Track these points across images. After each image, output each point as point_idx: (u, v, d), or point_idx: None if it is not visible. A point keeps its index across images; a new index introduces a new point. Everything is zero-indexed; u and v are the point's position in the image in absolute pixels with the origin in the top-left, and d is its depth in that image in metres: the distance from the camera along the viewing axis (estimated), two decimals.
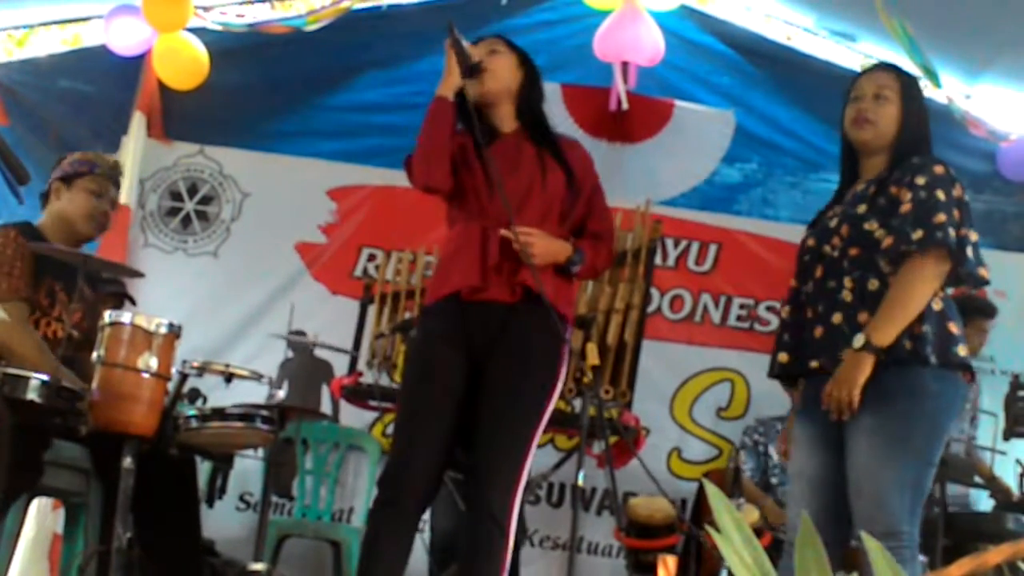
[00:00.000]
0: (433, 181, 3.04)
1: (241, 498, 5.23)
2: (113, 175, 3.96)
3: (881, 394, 2.80)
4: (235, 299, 5.41)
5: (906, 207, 2.86)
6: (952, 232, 2.82)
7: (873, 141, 3.03)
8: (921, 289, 2.81)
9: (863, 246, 2.91)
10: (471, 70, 3.11)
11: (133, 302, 4.50)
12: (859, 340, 2.80)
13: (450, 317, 3.01)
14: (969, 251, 2.86)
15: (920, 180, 2.88)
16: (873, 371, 2.78)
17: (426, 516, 3.96)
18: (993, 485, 4.83)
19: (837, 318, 2.90)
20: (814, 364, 2.92)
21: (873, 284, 2.88)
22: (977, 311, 4.98)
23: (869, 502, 2.78)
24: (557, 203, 3.11)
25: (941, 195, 2.86)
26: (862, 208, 2.93)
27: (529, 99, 3.22)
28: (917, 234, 2.81)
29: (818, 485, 2.92)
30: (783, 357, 3.02)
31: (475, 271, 2.99)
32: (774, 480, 4.88)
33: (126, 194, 5.29)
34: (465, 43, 3.11)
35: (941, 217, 2.82)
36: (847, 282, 2.91)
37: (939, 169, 2.92)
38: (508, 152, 3.11)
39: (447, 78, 3.09)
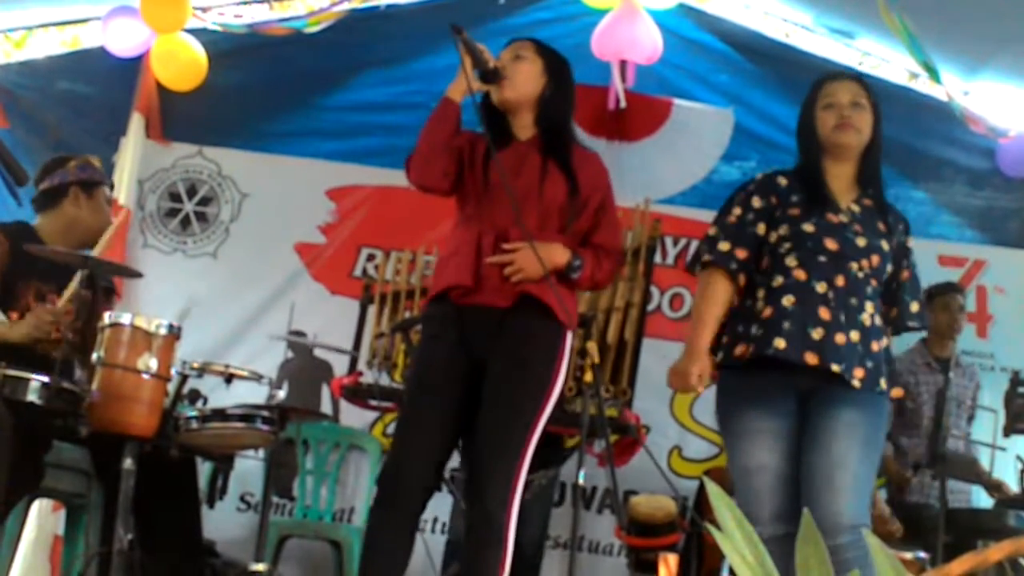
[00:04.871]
0: (426, 179, 3.06)
1: (242, 499, 5.23)
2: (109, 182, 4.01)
3: (853, 399, 2.95)
4: (235, 300, 5.41)
5: (905, 275, 3.14)
6: None
7: (855, 147, 3.11)
8: None
9: (880, 282, 3.08)
10: (487, 76, 3.07)
11: (117, 295, 4.50)
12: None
13: (445, 320, 3.03)
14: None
15: (910, 243, 3.16)
16: (845, 391, 2.96)
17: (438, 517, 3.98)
18: (990, 483, 4.82)
19: (855, 335, 2.97)
20: (836, 368, 2.92)
21: (879, 320, 3.05)
22: (947, 289, 5.00)
23: (840, 494, 2.85)
24: (555, 211, 3.06)
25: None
26: (886, 245, 3.07)
27: (550, 107, 3.15)
28: (914, 307, 3.14)
29: (786, 480, 2.96)
30: (780, 343, 2.97)
31: (467, 272, 2.99)
32: None
33: (125, 195, 5.29)
34: (480, 46, 3.05)
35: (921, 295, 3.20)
36: (868, 307, 3.02)
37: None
38: (514, 159, 3.07)
39: (457, 80, 3.05)
